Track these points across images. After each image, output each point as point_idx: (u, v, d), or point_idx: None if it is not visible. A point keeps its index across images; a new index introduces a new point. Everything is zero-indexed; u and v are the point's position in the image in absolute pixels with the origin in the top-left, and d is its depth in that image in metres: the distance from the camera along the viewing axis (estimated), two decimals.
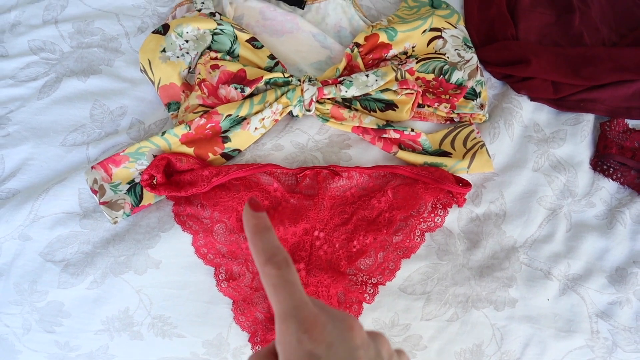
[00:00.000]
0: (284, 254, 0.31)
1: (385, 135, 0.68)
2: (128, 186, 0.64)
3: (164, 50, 0.67)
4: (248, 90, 0.66)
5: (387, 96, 0.69)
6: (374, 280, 0.64)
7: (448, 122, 0.74)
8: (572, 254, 0.70)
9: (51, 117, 0.68)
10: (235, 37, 0.70)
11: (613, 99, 0.79)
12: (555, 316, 0.67)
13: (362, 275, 0.64)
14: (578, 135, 0.77)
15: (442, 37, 0.74)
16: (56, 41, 0.72)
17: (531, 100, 0.77)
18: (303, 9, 0.76)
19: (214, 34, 0.69)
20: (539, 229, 0.71)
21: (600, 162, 0.77)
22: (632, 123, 0.80)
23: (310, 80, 0.67)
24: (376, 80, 0.68)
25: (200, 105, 0.65)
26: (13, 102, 0.69)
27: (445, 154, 0.70)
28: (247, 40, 0.70)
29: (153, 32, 0.68)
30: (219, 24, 0.69)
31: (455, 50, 0.74)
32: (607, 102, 0.79)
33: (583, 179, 0.75)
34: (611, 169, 0.77)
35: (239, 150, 0.66)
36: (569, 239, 0.71)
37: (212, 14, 0.71)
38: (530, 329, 0.66)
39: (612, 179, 0.77)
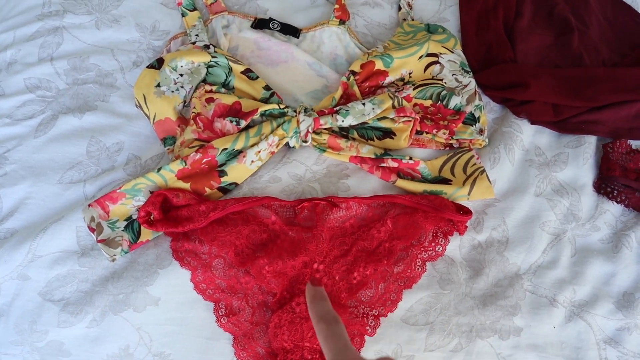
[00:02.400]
0: (333, 314, 0.45)
1: (383, 165, 0.71)
2: (125, 223, 0.67)
3: (158, 85, 0.71)
4: (243, 123, 0.69)
5: (384, 124, 0.72)
6: (375, 312, 0.67)
7: (447, 148, 0.77)
8: (578, 279, 0.73)
9: (48, 155, 0.72)
10: (230, 69, 0.73)
11: (615, 120, 0.82)
12: (562, 344, 0.69)
13: (363, 307, 0.67)
14: (580, 157, 0.80)
15: (439, 63, 0.78)
16: (52, 78, 0.76)
17: (531, 123, 0.80)
18: (298, 37, 0.80)
19: (209, 66, 0.73)
20: (543, 255, 0.73)
21: (604, 185, 0.80)
22: (635, 144, 0.83)
23: (306, 110, 0.71)
24: (373, 108, 0.71)
25: (195, 139, 0.69)
26: (10, 141, 0.73)
27: (445, 181, 0.73)
28: (242, 72, 0.74)
29: (147, 67, 0.72)
30: (213, 57, 0.73)
31: (452, 75, 0.78)
32: (609, 123, 0.82)
33: (587, 203, 0.78)
34: (615, 191, 0.80)
35: (236, 184, 0.70)
36: (574, 264, 0.74)
37: (207, 47, 0.75)
38: (536, 357, 0.68)
39: (617, 202, 0.79)
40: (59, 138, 0.73)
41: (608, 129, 0.82)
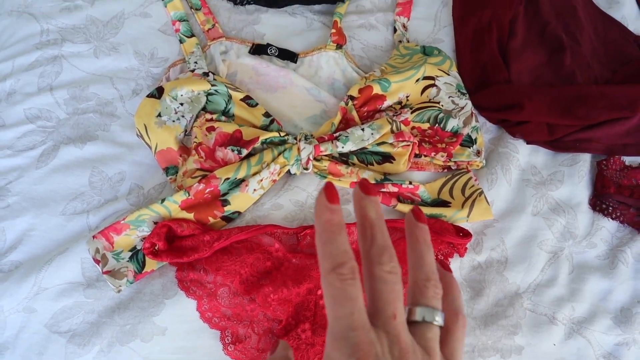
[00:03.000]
0: (353, 263, 0.30)
1: (383, 190, 0.73)
2: (130, 254, 0.68)
3: (159, 115, 0.72)
4: (245, 152, 0.70)
5: (383, 149, 0.74)
6: None
7: (445, 170, 0.79)
8: (576, 296, 0.75)
9: (50, 187, 0.73)
10: (230, 97, 0.75)
11: (608, 137, 0.84)
12: None
13: None
14: (575, 175, 0.82)
15: (436, 86, 0.79)
16: (52, 108, 0.77)
17: (527, 143, 0.82)
18: (296, 62, 0.81)
19: (208, 94, 0.74)
20: (541, 274, 0.75)
21: (599, 202, 0.82)
22: (628, 160, 0.85)
23: (306, 138, 0.72)
24: (372, 133, 0.73)
25: (198, 169, 0.70)
26: (11, 173, 0.74)
27: (444, 204, 0.75)
28: (241, 99, 0.75)
29: (147, 96, 0.73)
30: (212, 85, 0.74)
31: (449, 97, 0.79)
32: (603, 141, 0.84)
33: (583, 220, 0.80)
34: (610, 208, 0.82)
35: (239, 212, 0.71)
36: (572, 281, 0.76)
37: (206, 74, 0.76)
38: None
39: (612, 218, 0.82)
40: (60, 169, 0.74)
41: (602, 146, 0.84)
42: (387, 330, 0.30)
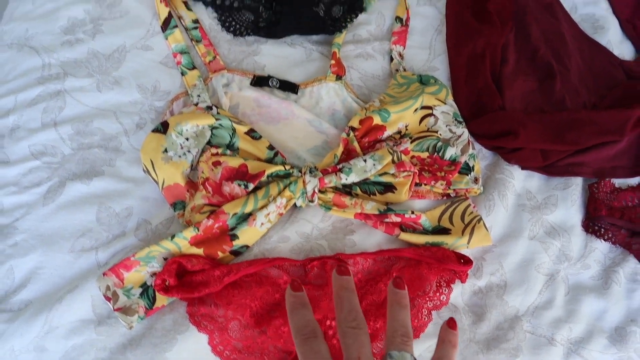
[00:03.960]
0: (313, 326, 0.42)
1: (387, 220, 0.75)
2: (140, 290, 0.69)
3: (165, 151, 0.73)
4: (251, 186, 0.72)
5: (385, 179, 0.76)
6: None
7: (444, 198, 0.81)
8: (573, 317, 0.78)
9: (58, 223, 0.74)
10: (234, 130, 0.76)
11: (598, 161, 0.88)
12: None
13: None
14: (569, 199, 0.85)
15: (434, 115, 0.82)
16: (57, 144, 0.78)
17: (522, 169, 0.85)
18: (297, 93, 0.83)
19: (213, 128, 0.76)
20: (539, 296, 0.78)
21: (592, 224, 0.86)
22: (618, 182, 0.89)
23: (311, 171, 0.74)
24: (374, 164, 0.75)
25: (206, 204, 0.72)
26: (18, 210, 0.74)
27: (445, 231, 0.77)
28: (245, 132, 0.77)
29: (153, 131, 0.75)
30: (217, 119, 0.75)
31: (446, 126, 0.82)
32: (593, 164, 0.88)
33: (577, 242, 0.83)
34: (602, 230, 0.86)
35: (247, 246, 0.73)
36: (568, 302, 0.79)
37: (209, 108, 0.78)
38: None
39: (604, 240, 0.85)
40: (67, 205, 0.74)
41: (592, 169, 0.88)
42: None
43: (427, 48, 0.94)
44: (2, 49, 0.87)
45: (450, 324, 0.48)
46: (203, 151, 0.75)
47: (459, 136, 0.82)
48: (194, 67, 0.84)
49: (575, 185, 0.87)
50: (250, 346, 0.69)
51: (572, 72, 0.96)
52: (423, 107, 0.82)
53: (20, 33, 0.88)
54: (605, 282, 0.82)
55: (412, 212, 0.76)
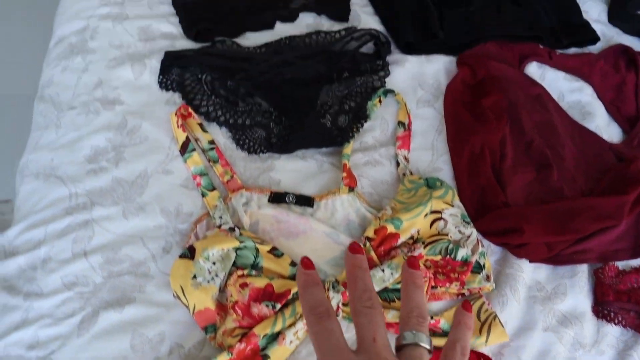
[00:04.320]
0: (326, 305, 0.41)
1: None
2: None
3: (194, 277, 0.77)
4: (279, 306, 0.76)
5: (398, 285, 0.80)
6: None
7: (459, 297, 0.85)
8: None
9: (94, 353, 0.77)
10: (257, 250, 0.81)
11: (600, 246, 0.93)
12: None
13: None
14: (577, 286, 0.89)
15: (443, 218, 0.87)
16: (88, 273, 0.82)
17: (530, 262, 0.90)
18: (312, 207, 0.88)
19: (237, 249, 0.80)
20: None
21: (601, 309, 0.90)
22: (621, 265, 0.93)
23: (333, 286, 0.78)
24: (392, 273, 0.80)
25: (237, 327, 0.75)
26: (54, 342, 0.77)
27: None
28: (268, 251, 0.81)
29: (180, 257, 0.79)
30: (240, 241, 0.80)
31: (455, 227, 0.87)
32: (596, 250, 0.93)
33: (589, 329, 0.87)
34: (612, 314, 0.90)
35: None
36: None
37: (232, 229, 0.82)
38: None
39: (615, 324, 0.89)
40: (102, 335, 0.78)
41: (596, 255, 0.93)
42: (368, 351, 0.39)
43: (430, 149, 1.00)
44: (29, 179, 0.92)
45: (466, 306, 0.46)
46: (230, 274, 0.79)
47: (468, 236, 0.87)
48: (213, 188, 0.89)
49: (582, 272, 0.91)
50: None
51: (567, 160, 1.02)
52: (432, 212, 0.87)
53: (46, 163, 0.93)
54: None
55: (432, 317, 0.80)
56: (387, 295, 0.82)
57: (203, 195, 0.89)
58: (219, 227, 0.84)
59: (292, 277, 0.81)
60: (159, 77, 1.02)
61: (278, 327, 0.75)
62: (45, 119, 1.00)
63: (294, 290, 0.77)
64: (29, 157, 0.96)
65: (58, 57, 1.08)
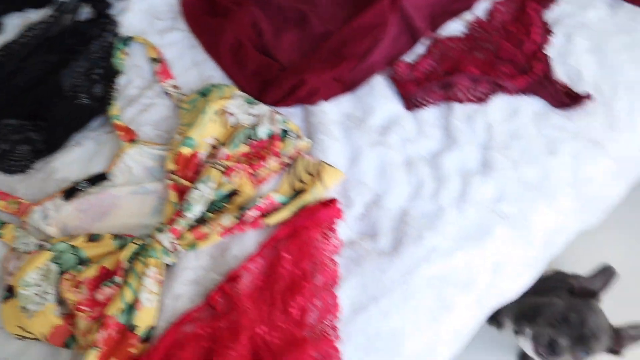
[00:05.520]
0: None
1: (247, 220, 0.78)
2: None
3: (24, 308, 0.72)
4: (119, 279, 0.73)
5: (225, 190, 0.80)
6: (329, 323, 0.74)
7: (285, 168, 0.86)
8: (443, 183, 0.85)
9: None
10: (73, 247, 0.77)
11: (382, 53, 1.00)
12: None
13: (317, 327, 0.74)
14: (380, 97, 0.95)
15: (229, 113, 0.87)
16: None
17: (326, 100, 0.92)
18: (109, 179, 0.85)
19: (54, 259, 0.76)
20: (409, 186, 0.86)
21: (411, 101, 0.94)
22: (410, 58, 0.98)
23: (159, 230, 0.76)
24: (207, 186, 0.79)
25: (92, 323, 0.72)
26: None
27: (302, 192, 0.82)
28: (84, 241, 0.78)
29: (3, 301, 0.74)
30: (51, 250, 0.76)
31: (246, 114, 0.87)
32: (380, 58, 0.99)
33: (410, 125, 0.94)
34: (421, 101, 0.94)
35: (152, 327, 0.73)
36: (434, 177, 0.87)
37: (40, 246, 0.78)
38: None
39: (427, 106, 0.94)
40: None
41: (382, 61, 1.00)
42: None
43: (193, 66, 1.00)
44: None
45: None
46: (59, 283, 0.75)
47: (261, 114, 0.87)
48: (4, 223, 0.83)
49: (379, 84, 0.96)
50: None
51: (320, 2, 1.04)
52: (217, 113, 0.86)
53: None
54: (448, 136, 0.90)
55: (261, 198, 0.80)
56: (216, 206, 0.81)
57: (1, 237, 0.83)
58: (29, 252, 0.79)
59: (121, 247, 0.78)
60: None
61: (129, 298, 0.73)
62: None
63: (124, 256, 0.75)
64: None
65: None
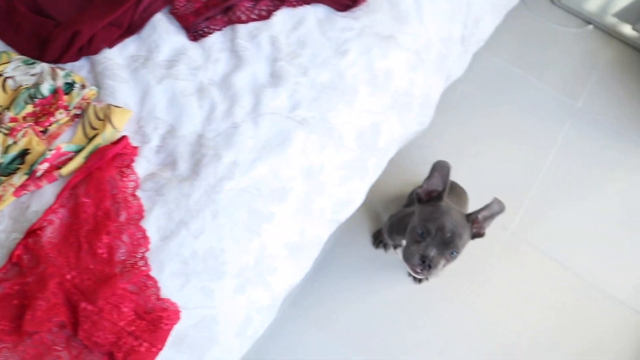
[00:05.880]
0: None
1: (40, 174, 0.80)
2: None
3: None
4: None
5: (13, 152, 0.81)
6: (139, 255, 0.77)
7: (77, 120, 0.87)
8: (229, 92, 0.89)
9: None
10: None
11: None
12: None
13: (128, 262, 0.77)
14: (162, 32, 0.96)
15: (8, 77, 0.86)
16: None
17: (110, 48, 0.93)
18: None
19: None
20: (201, 110, 0.89)
21: (195, 32, 0.96)
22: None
23: None
24: None
25: None
26: None
27: (94, 138, 0.84)
28: None
29: None
30: None
31: (26, 75, 0.87)
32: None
33: (195, 54, 0.95)
34: (204, 29, 0.97)
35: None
36: (223, 89, 0.90)
37: None
38: None
39: (215, 31, 0.96)
40: None
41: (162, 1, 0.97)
42: None
43: None
44: None
45: None
46: None
47: (41, 73, 0.87)
48: None
49: (160, 20, 0.97)
50: None
51: None
52: None
53: None
54: (236, 57, 0.94)
55: (50, 150, 0.81)
56: (7, 170, 0.81)
57: None
58: None
59: None
60: None
61: None
62: None
63: None
64: None
65: None
